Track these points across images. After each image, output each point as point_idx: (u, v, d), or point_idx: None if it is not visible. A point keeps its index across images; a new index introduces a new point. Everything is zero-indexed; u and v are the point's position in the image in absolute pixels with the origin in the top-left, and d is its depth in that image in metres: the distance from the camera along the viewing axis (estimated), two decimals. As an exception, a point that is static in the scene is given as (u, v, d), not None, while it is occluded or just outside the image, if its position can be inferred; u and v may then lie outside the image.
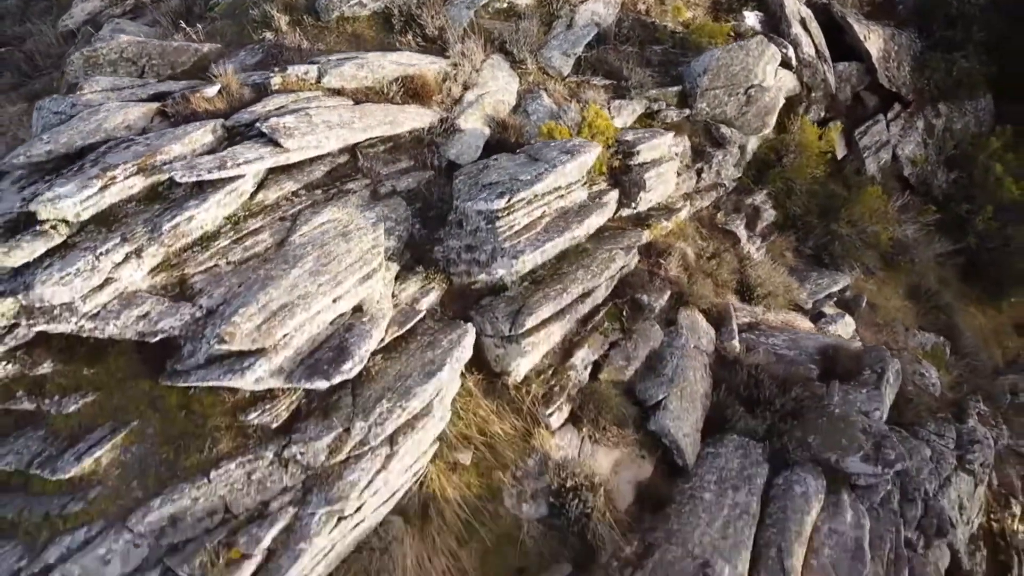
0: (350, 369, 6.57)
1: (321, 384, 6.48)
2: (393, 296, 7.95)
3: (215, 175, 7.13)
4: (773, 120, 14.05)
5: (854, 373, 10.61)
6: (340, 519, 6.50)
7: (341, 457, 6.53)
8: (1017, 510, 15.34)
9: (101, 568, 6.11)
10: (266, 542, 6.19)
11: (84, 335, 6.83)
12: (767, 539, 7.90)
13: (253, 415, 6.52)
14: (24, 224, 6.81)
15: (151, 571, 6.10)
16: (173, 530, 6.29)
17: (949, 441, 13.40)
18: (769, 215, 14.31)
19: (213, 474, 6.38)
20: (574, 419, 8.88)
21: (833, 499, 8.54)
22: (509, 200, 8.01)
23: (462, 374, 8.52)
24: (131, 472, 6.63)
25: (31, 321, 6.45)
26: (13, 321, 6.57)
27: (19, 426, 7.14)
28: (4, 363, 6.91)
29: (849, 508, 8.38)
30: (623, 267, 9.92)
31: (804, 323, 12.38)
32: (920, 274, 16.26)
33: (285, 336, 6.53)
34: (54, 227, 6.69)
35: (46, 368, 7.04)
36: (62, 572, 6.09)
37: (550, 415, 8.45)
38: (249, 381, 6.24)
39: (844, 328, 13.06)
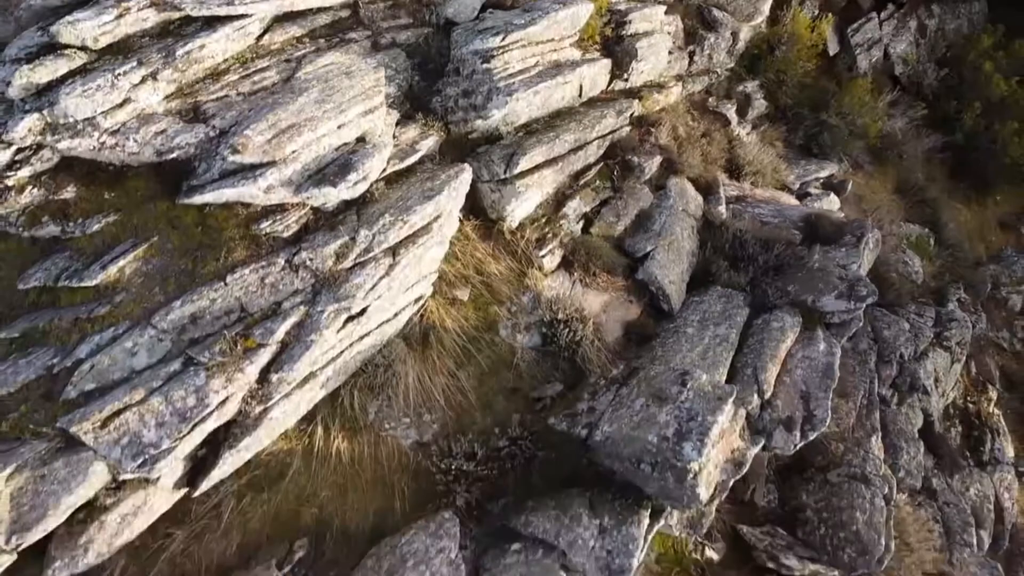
0: (355, 181, 7.05)
1: (328, 191, 6.97)
2: (394, 138, 8.38)
3: (225, 11, 7.51)
4: (766, 8, 14.29)
5: (835, 238, 11.11)
6: (347, 320, 7.04)
7: (347, 264, 7.04)
8: (993, 395, 16.01)
9: (128, 359, 6.68)
10: (279, 334, 6.75)
11: (104, 160, 7.29)
12: (744, 362, 8.50)
13: (265, 224, 7.02)
14: (46, 53, 7.22)
15: (174, 361, 6.66)
16: (193, 327, 6.84)
17: (928, 320, 13.97)
18: (760, 104, 14.64)
19: (229, 278, 6.90)
20: (566, 264, 9.39)
21: (808, 335, 9.11)
22: (503, 39, 8.41)
23: (460, 219, 9.02)
24: (153, 280, 7.16)
25: (56, 137, 6.89)
26: (38, 139, 7.02)
27: (45, 254, 7.64)
28: (30, 188, 7.38)
29: (822, 340, 8.95)
30: (614, 130, 10.34)
31: (790, 199, 12.84)
32: (908, 169, 16.66)
33: (293, 152, 7.00)
34: (75, 52, 7.09)
35: (70, 192, 7.51)
36: (92, 363, 6.66)
37: (543, 256, 8.96)
38: (261, 187, 6.72)
39: (829, 205, 13.54)
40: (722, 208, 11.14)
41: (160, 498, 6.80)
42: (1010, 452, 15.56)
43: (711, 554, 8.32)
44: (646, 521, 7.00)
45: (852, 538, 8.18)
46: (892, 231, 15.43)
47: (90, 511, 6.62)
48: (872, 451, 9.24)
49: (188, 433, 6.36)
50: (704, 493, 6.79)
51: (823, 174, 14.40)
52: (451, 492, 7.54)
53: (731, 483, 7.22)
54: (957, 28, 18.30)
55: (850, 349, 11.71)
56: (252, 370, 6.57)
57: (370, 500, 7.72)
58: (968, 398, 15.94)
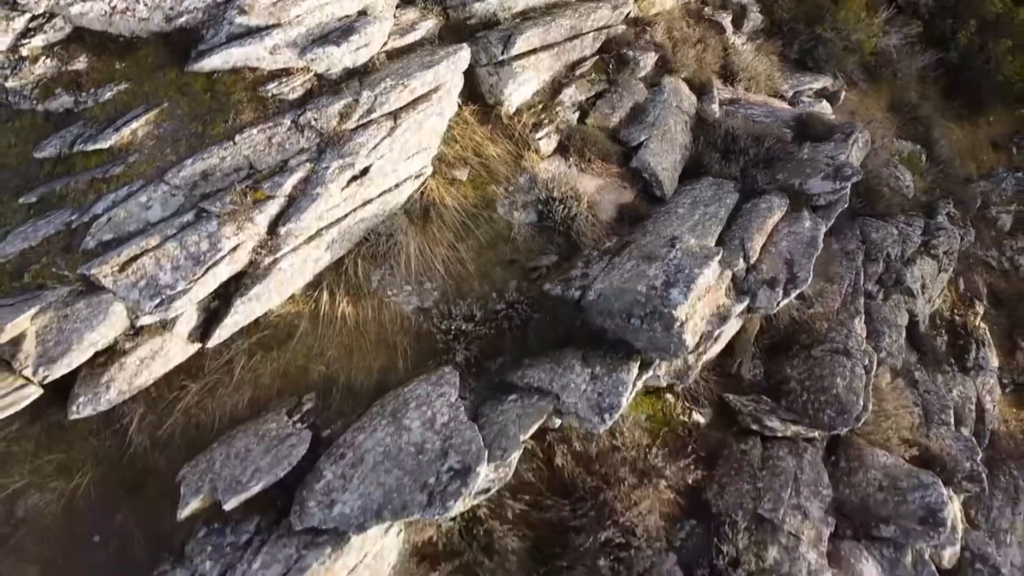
0: (357, 45, 7.35)
1: (332, 52, 7.27)
2: (394, 18, 8.61)
3: None
4: (763, -82, 14.36)
5: (825, 136, 11.38)
6: (351, 180, 7.37)
7: (351, 124, 7.35)
8: (980, 310, 16.39)
9: (143, 212, 7.03)
10: (287, 188, 7.09)
11: (115, 31, 7.56)
12: (731, 235, 8.86)
13: (271, 86, 7.32)
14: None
15: (187, 212, 7.01)
16: (205, 183, 7.17)
17: (917, 229, 14.30)
18: (756, 17, 14.78)
19: (237, 138, 7.21)
20: (561, 149, 9.70)
21: (795, 215, 9.45)
22: (502, -76, 8.60)
23: (459, 105, 9.29)
24: (164, 142, 7.48)
25: (67, 1, 7.12)
26: (51, 5, 7.26)
27: (59, 127, 7.91)
28: (44, 58, 7.64)
29: (808, 219, 9.29)
30: (610, 24, 10.55)
31: (783, 104, 13.08)
32: (902, 87, 16.84)
33: (298, 16, 7.27)
34: (83, -82, 7.29)
35: (81, 63, 7.77)
36: (109, 216, 7.00)
37: (540, 139, 9.26)
38: (267, 47, 7.01)
39: (821, 110, 13.78)
40: (715, 107, 11.39)
41: (176, 346, 7.19)
42: (994, 362, 15.99)
43: (698, 418, 8.77)
44: (635, 370, 7.41)
45: (832, 400, 8.62)
46: (884, 145, 15.68)
47: (111, 354, 7.02)
48: (855, 331, 9.64)
49: (202, 276, 6.73)
50: (690, 340, 7.19)
51: (816, 85, 14.62)
52: (451, 350, 7.94)
53: (715, 333, 7.60)
54: (956, -52, 18.27)
55: (838, 250, 12.12)
56: (262, 220, 6.92)
57: (374, 359, 8.12)
58: (955, 311, 16.33)
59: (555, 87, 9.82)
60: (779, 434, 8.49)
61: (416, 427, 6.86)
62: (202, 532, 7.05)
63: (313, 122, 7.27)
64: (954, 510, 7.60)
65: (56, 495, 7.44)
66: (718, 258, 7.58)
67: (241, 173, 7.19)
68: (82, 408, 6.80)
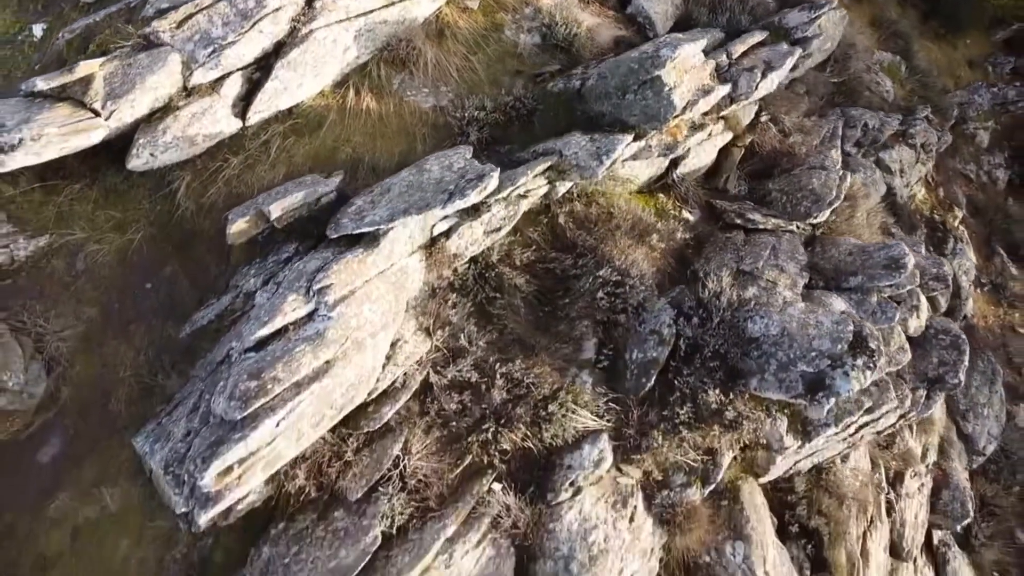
0: None
1: None
2: None
3: None
4: None
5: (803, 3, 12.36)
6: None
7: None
8: (959, 214, 17.28)
9: (196, -13, 7.97)
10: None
11: None
12: (717, 50, 9.80)
13: None
14: None
15: (235, -14, 7.95)
16: (249, -36, 8.12)
17: (895, 119, 15.23)
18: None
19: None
20: (562, -10, 10.66)
21: (774, 43, 10.40)
22: None
23: (471, -56, 10.28)
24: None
25: None
26: None
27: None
28: None
29: (786, 45, 10.25)
30: None
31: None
32: (882, 6, 17.87)
33: None
34: None
35: None
36: (166, -9, 7.92)
37: (542, -21, 10.23)
38: None
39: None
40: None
41: (222, 109, 8.12)
42: (972, 256, 16.87)
43: (688, 215, 9.69)
44: (629, 138, 8.35)
45: (808, 195, 9.56)
46: (867, 48, 16.67)
47: (166, 109, 7.97)
48: (832, 156, 10.57)
49: (248, 30, 7.70)
50: (678, 102, 8.15)
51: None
52: (464, 132, 8.89)
53: (699, 102, 8.53)
54: None
55: (819, 114, 13.11)
56: (300, -12, 7.88)
57: (395, 144, 9.06)
58: (935, 212, 17.26)
59: (555, -65, 10.77)
60: (760, 226, 9.37)
61: (435, 169, 7.78)
62: (245, 268, 7.94)
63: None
64: (913, 267, 8.44)
65: (113, 249, 8.34)
66: (702, 42, 8.53)
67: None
68: (141, 151, 7.72)
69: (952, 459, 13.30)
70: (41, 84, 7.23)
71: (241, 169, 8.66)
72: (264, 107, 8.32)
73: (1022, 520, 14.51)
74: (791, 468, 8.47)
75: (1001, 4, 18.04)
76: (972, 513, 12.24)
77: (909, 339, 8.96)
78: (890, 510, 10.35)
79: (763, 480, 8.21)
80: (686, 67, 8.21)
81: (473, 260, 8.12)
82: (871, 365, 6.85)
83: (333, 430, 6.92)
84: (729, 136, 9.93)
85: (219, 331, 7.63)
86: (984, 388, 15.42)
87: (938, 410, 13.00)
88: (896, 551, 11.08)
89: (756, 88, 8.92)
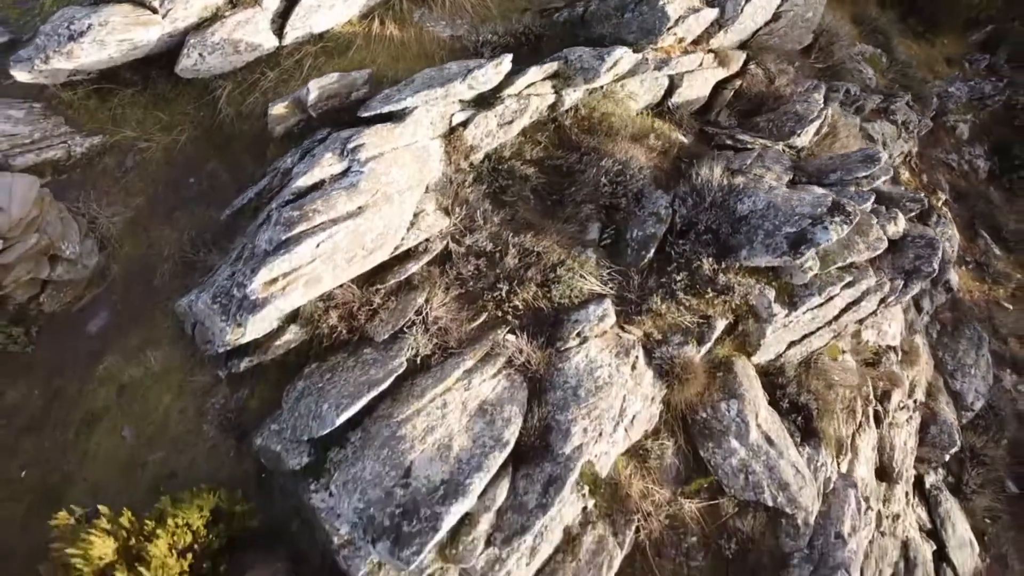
0: None
1: None
2: None
3: None
4: None
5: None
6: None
7: None
8: (942, 196, 18.20)
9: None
10: None
11: None
12: (706, -10, 10.84)
13: None
14: None
15: (277, -87, 9.02)
16: None
17: (877, 97, 16.29)
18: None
19: None
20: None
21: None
22: None
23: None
24: None
25: None
26: None
27: None
28: None
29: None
30: None
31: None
32: (863, 5, 19.16)
33: None
34: None
35: None
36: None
37: (549, -68, 11.35)
38: None
39: None
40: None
41: (262, 22, 9.09)
42: (955, 235, 17.75)
43: (682, 138, 10.59)
44: (628, 49, 9.30)
45: (791, 117, 10.48)
46: (850, 37, 17.83)
47: (214, 18, 8.95)
48: (815, 98, 11.53)
49: (289, -59, 8.70)
50: (672, 14, 9.15)
51: None
52: (479, 52, 9.86)
53: (689, 18, 9.51)
54: None
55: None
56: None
57: (416, 64, 10.01)
58: (918, 192, 18.17)
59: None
60: (748, 146, 10.26)
61: (454, 67, 8.70)
62: (281, 155, 8.79)
63: None
64: (887, 160, 9.29)
65: (159, 148, 9.26)
66: (692, -30, 9.57)
67: None
68: (191, 52, 8.67)
69: (940, 403, 13.90)
70: (106, -12, 8.19)
71: (276, 82, 9.58)
72: (299, 24, 9.27)
73: (1011, 470, 15.04)
74: (781, 355, 9.14)
75: (974, 3, 19.22)
76: (959, 443, 12.79)
77: (890, 242, 9.73)
78: (878, 421, 10.94)
79: (755, 360, 8.86)
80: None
81: (487, 156, 8.94)
82: (847, 220, 7.65)
83: (362, 285, 7.66)
84: (720, 73, 10.88)
85: (258, 208, 8.42)
86: (971, 351, 16.13)
87: (923, 351, 13.70)
88: (886, 474, 11.62)
89: (741, 11, 9.89)
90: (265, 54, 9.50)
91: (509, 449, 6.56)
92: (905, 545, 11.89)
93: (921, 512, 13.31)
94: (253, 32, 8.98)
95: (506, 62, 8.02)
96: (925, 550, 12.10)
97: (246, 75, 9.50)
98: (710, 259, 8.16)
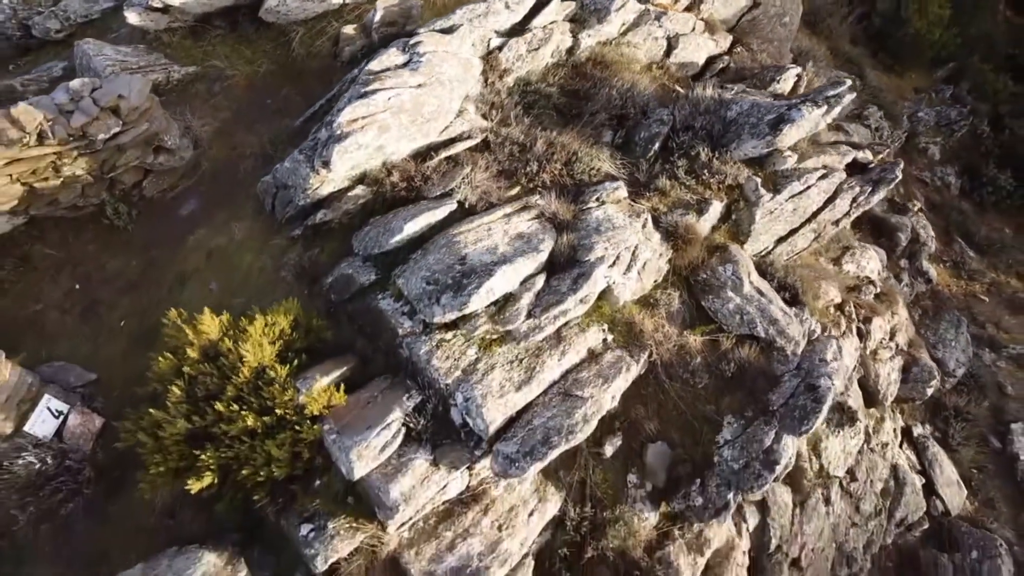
0: None
1: None
2: None
3: None
4: None
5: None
6: None
7: None
8: (917, 204, 20.07)
9: None
10: None
11: None
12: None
13: None
14: None
15: None
16: None
17: (850, 102, 18.35)
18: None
19: None
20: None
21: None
22: None
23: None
24: None
25: None
26: None
27: None
28: None
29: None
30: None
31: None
32: (837, 39, 21.66)
33: None
34: None
35: None
36: None
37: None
38: None
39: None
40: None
41: (333, -24, 11.15)
42: (931, 232, 19.47)
43: (679, 88, 12.49)
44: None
45: (771, 71, 12.42)
46: (827, 63, 20.16)
47: (294, -30, 10.99)
48: (793, 66, 13.52)
49: (360, -89, 10.86)
50: (667, -30, 11.20)
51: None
52: (508, 10, 11.86)
53: None
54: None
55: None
56: None
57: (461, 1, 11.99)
58: (895, 197, 20.07)
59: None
60: (735, 91, 12.15)
61: None
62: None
63: None
64: (849, 87, 11.14)
65: (243, 76, 11.12)
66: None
67: None
68: (275, -7, 10.64)
69: (921, 353, 15.20)
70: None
71: (339, 30, 11.51)
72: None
73: (993, 428, 16.15)
74: (770, 251, 10.68)
75: (937, 40, 21.66)
76: (937, 377, 14.00)
77: (860, 165, 11.44)
78: (861, 337, 12.32)
79: (747, 249, 10.39)
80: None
81: (518, 81, 10.77)
82: (817, 105, 9.40)
83: (416, 161, 9.31)
84: (711, 46, 12.90)
85: (327, 112, 10.16)
86: (951, 330, 17.55)
87: (901, 302, 15.12)
88: (873, 399, 12.88)
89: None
90: (332, 8, 11.42)
91: (545, 256, 8.05)
92: (895, 468, 12.99)
93: (910, 454, 14.38)
94: (324, -15, 10.98)
95: (534, -8, 9.96)
96: (914, 478, 13.16)
97: (315, 24, 11.45)
98: (706, 148, 9.83)
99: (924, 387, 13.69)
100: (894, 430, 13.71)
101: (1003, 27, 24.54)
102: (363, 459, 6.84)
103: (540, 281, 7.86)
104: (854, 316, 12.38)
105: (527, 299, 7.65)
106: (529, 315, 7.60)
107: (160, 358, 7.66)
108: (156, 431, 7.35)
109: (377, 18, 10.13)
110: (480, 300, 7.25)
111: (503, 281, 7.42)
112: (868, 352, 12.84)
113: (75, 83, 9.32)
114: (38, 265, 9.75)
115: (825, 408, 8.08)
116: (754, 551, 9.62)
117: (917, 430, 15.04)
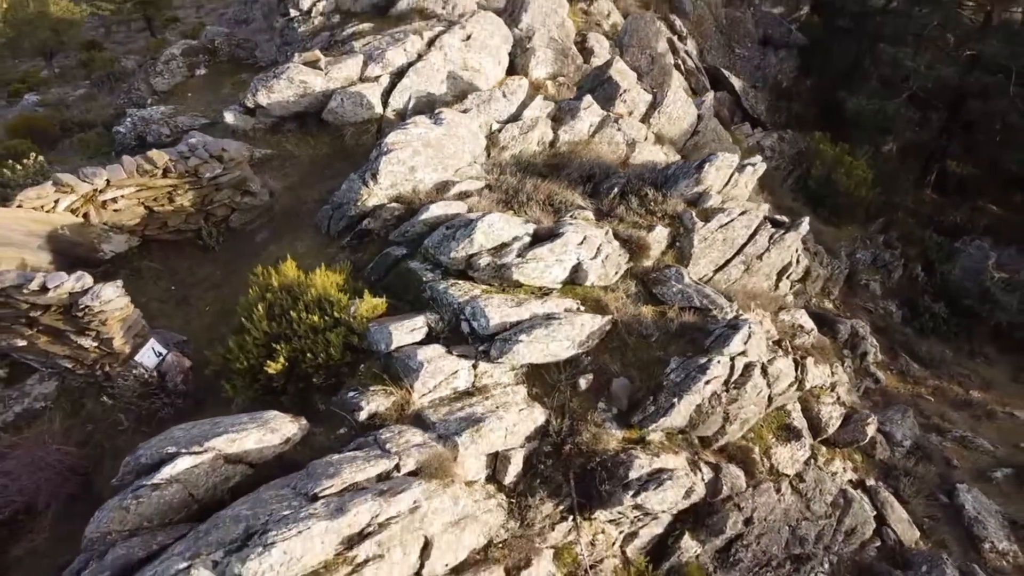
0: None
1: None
2: None
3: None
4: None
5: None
6: None
7: None
8: (865, 325, 23.34)
9: None
10: None
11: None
12: None
13: None
14: None
15: None
16: None
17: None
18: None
19: None
20: None
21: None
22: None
23: None
24: None
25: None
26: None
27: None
28: None
29: (688, 112, 18.00)
30: None
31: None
32: (780, 196, 26.21)
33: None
34: None
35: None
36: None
37: None
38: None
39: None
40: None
41: (376, 91, 15.52)
42: (874, 341, 22.50)
43: (637, 179, 16.40)
44: (599, 107, 15.62)
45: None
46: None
47: (350, 83, 15.41)
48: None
49: (396, 45, 15.44)
50: (624, 85, 15.58)
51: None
52: (505, 119, 16.14)
53: (631, 92, 15.88)
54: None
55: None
56: None
57: (466, 127, 16.23)
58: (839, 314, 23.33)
59: None
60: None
61: (497, 92, 14.87)
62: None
63: None
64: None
65: (306, 157, 15.09)
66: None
67: None
68: (337, 97, 14.89)
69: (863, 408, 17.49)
70: (296, 58, 14.70)
71: (379, 132, 15.61)
72: (397, 99, 15.56)
73: (940, 488, 17.93)
74: (710, 279, 13.88)
75: (865, 197, 26.19)
76: (876, 421, 16.26)
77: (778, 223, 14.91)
78: (797, 365, 15.00)
79: (690, 270, 13.59)
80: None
81: (512, 156, 14.62)
82: (727, 161, 13.12)
83: (436, 191, 12.86)
84: (661, 155, 17.00)
85: (371, 170, 13.86)
86: (897, 416, 19.95)
87: (841, 367, 17.74)
88: (816, 430, 15.19)
89: (667, 104, 16.30)
90: (375, 116, 15.55)
91: (531, 229, 11.25)
92: (844, 492, 14.99)
93: (863, 495, 16.26)
94: (372, 95, 15.19)
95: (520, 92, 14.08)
96: (864, 501, 15.09)
97: (363, 125, 15.50)
98: (652, 190, 13.39)
99: (864, 426, 15.88)
100: (843, 468, 15.69)
101: (928, 202, 29.38)
102: (398, 333, 9.53)
103: (527, 239, 10.94)
104: (790, 350, 15.10)
105: (517, 246, 10.70)
106: (519, 255, 10.61)
107: (250, 290, 10.55)
108: (243, 337, 10.07)
109: (411, 105, 14.13)
110: (481, 235, 10.30)
111: (499, 222, 10.50)
112: (807, 388, 15.26)
113: (193, 138, 13.07)
114: (144, 275, 12.81)
115: (742, 333, 10.77)
116: (708, 496, 11.66)
117: (870, 481, 16.90)
